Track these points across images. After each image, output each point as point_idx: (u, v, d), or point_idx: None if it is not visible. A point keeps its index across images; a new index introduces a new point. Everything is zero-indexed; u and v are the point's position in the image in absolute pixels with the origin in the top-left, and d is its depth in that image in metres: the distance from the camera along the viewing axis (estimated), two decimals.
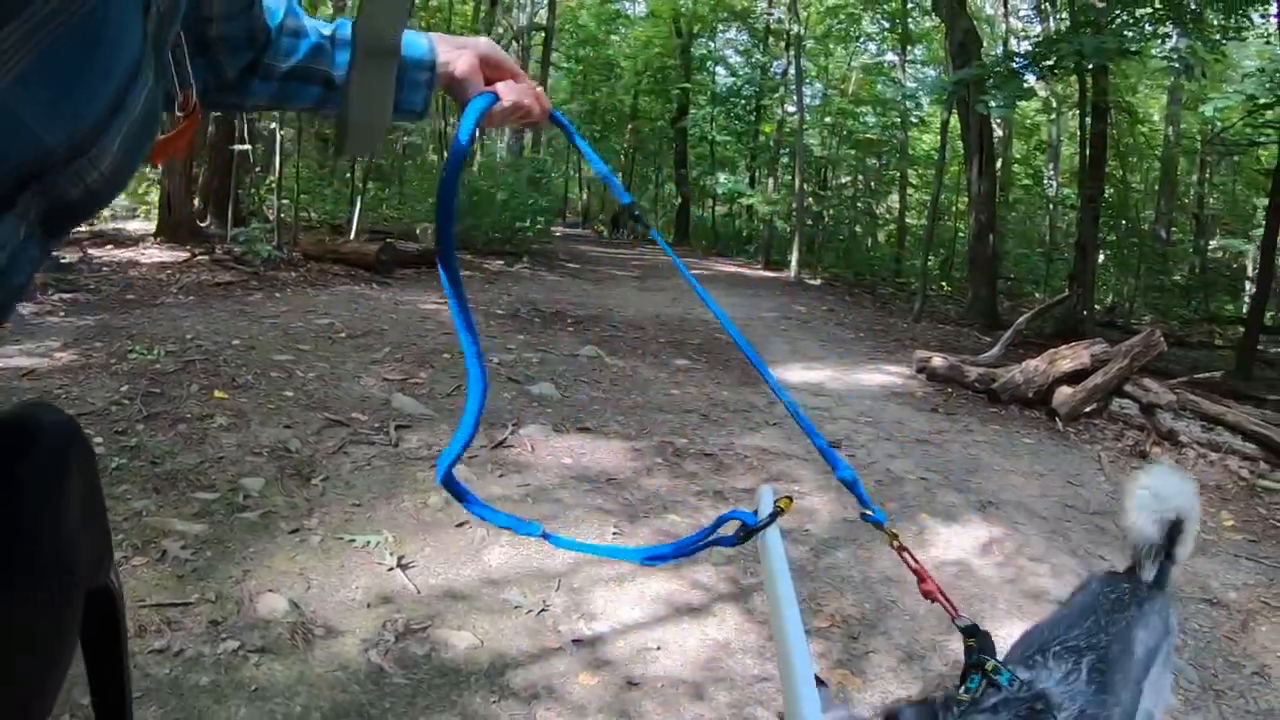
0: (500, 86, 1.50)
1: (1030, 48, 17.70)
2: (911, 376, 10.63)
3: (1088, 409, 9.04)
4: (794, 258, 23.66)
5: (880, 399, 9.32)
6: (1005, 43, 24.75)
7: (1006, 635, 3.11)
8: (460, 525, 4.75)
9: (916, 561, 1.72)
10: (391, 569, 4.20)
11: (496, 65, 1.52)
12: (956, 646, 3.37)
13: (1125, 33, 14.40)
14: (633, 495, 5.50)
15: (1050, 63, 15.20)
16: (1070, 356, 9.29)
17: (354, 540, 4.41)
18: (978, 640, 1.69)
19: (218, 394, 6.56)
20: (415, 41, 1.46)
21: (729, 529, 1.68)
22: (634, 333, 11.69)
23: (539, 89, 1.59)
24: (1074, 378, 9.17)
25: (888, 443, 7.51)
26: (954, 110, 18.41)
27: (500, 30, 30.69)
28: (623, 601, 4.16)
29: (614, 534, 4.94)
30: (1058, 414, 8.95)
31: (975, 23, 19.13)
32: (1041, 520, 5.99)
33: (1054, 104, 27.50)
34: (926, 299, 17.94)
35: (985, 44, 21.41)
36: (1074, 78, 18.33)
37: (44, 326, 8.62)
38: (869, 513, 1.74)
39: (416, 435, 6.17)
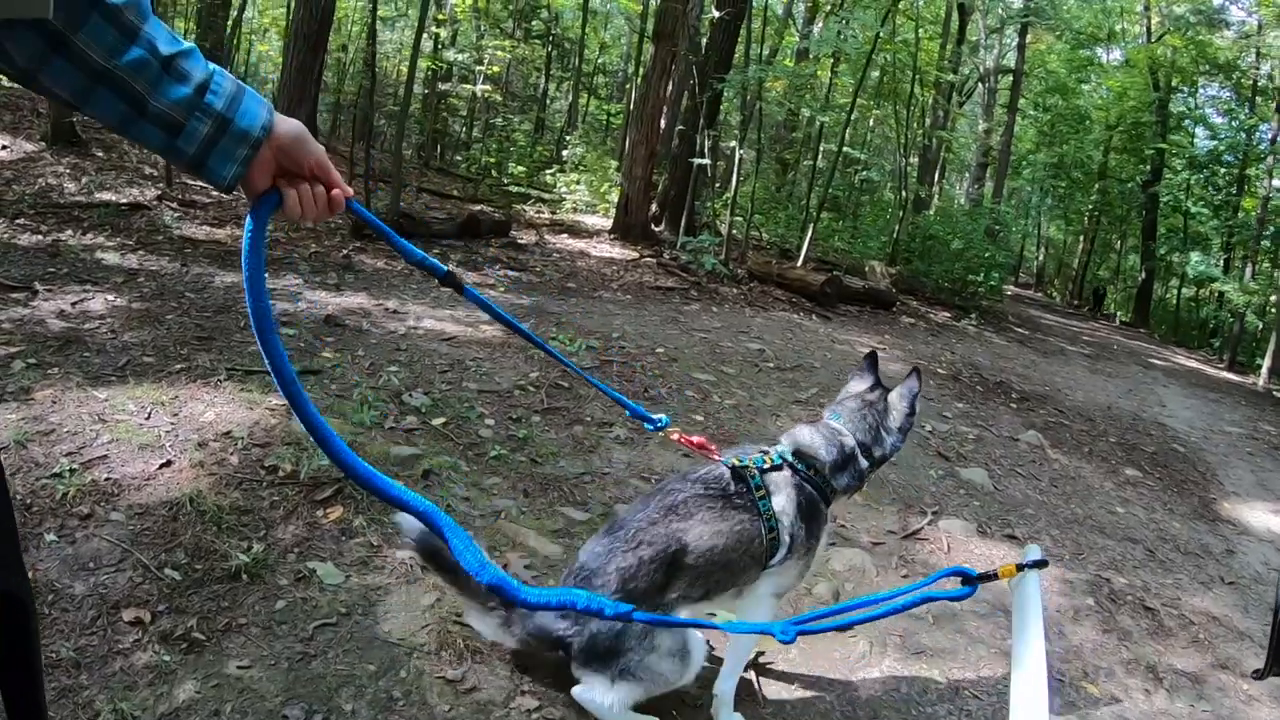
0: (290, 194, 1.48)
1: None
2: None
3: None
4: (1266, 363, 20.52)
5: None
6: None
7: None
8: (844, 629, 3.98)
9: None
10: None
11: (296, 160, 1.47)
12: None
13: None
14: (1051, 646, 4.36)
15: None
16: None
17: (714, 614, 3.68)
18: None
19: None
20: (253, 110, 1.41)
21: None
22: (1081, 424, 10.28)
23: (336, 192, 1.55)
24: None
25: None
26: None
27: (966, 71, 29.59)
28: None
29: None
30: None
31: None
32: None
33: None
34: None
35: None
36: None
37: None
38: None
39: None
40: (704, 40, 17.05)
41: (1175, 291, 35.81)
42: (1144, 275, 34.38)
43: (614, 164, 20.45)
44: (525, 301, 9.13)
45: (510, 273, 10.59)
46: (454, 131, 26.95)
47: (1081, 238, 40.91)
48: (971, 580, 2.26)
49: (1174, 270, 33.78)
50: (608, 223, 16.54)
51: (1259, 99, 29.79)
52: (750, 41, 17.97)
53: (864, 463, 3.12)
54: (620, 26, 32.67)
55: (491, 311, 2.13)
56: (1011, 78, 28.85)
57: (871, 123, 27.54)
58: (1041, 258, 47.26)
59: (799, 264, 15.89)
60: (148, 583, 3.17)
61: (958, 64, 26.78)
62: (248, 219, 1.44)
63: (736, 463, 2.95)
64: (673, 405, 6.52)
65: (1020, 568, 2.36)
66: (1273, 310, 23.30)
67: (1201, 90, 33.05)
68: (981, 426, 8.63)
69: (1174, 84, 31.78)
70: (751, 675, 3.46)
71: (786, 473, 2.99)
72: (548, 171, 20.66)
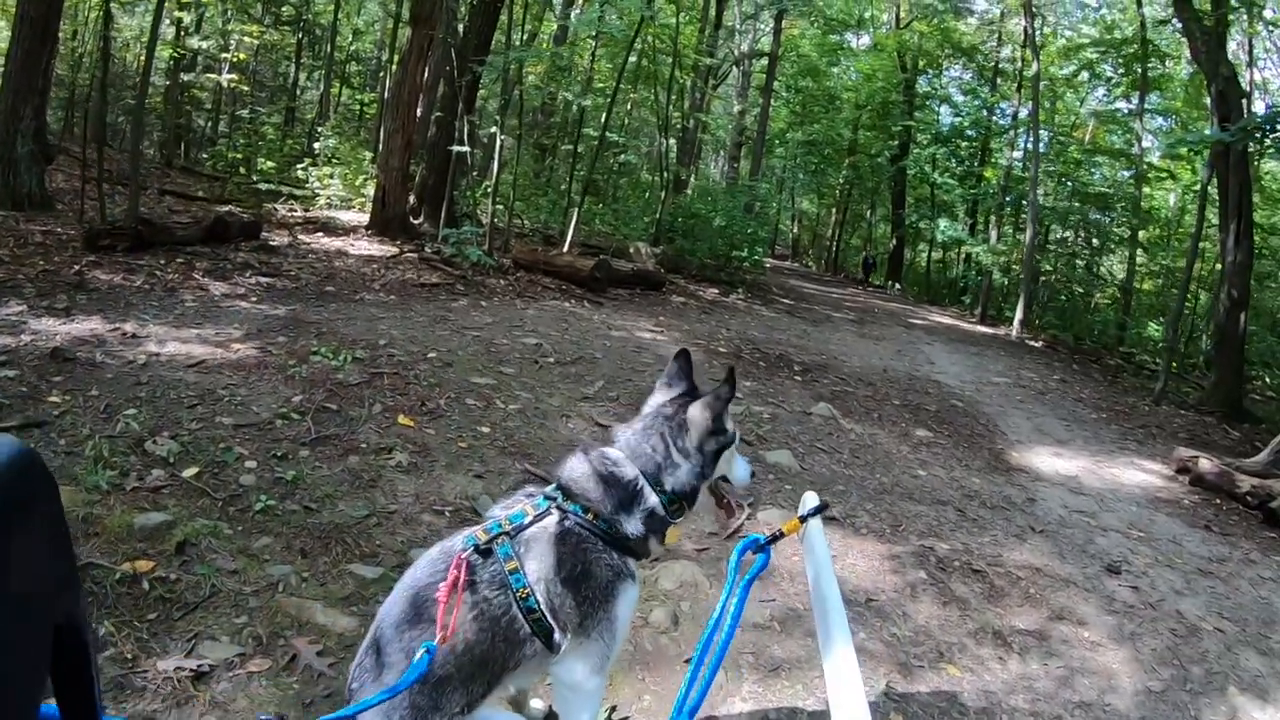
0: None
1: None
2: (1172, 478, 9.25)
3: None
4: (1018, 315, 22.34)
5: (1145, 506, 7.98)
6: (1250, 95, 22.34)
7: None
8: (691, 660, 3.69)
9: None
10: None
11: None
12: None
13: None
14: (900, 630, 4.37)
15: None
16: None
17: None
18: None
19: (403, 420, 5.76)
20: None
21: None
22: (865, 389, 10.61)
23: None
24: None
25: (1169, 571, 6.24)
26: (1214, 170, 16.51)
27: (721, 55, 30.14)
28: None
29: (889, 699, 3.74)
30: None
31: None
32: None
33: None
34: (1168, 380, 16.08)
35: None
36: None
37: (231, 311, 8.10)
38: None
39: None
40: (462, 24, 16.59)
41: (927, 256, 37.75)
42: (895, 242, 36.41)
43: (369, 155, 19.76)
44: (281, 311, 8.43)
45: (263, 279, 9.81)
46: (198, 126, 25.46)
47: (834, 209, 42.58)
48: (763, 546, 2.54)
49: (923, 236, 35.63)
50: (364, 217, 15.86)
51: (999, 80, 32.49)
52: (511, 24, 17.62)
53: (653, 500, 2.47)
54: (374, 11, 31.70)
55: None
56: (765, 61, 29.61)
57: (629, 106, 27.71)
58: (796, 230, 48.97)
59: (565, 249, 15.68)
60: None
61: (714, 48, 27.21)
62: None
63: (483, 536, 2.37)
64: (455, 418, 6.08)
65: (803, 519, 2.63)
66: (1015, 268, 24.94)
67: (946, 72, 35.22)
68: (774, 404, 8.66)
69: (920, 66, 33.78)
70: None
71: (551, 520, 2.42)
72: (299, 166, 19.66)
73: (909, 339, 17.03)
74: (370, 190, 16.64)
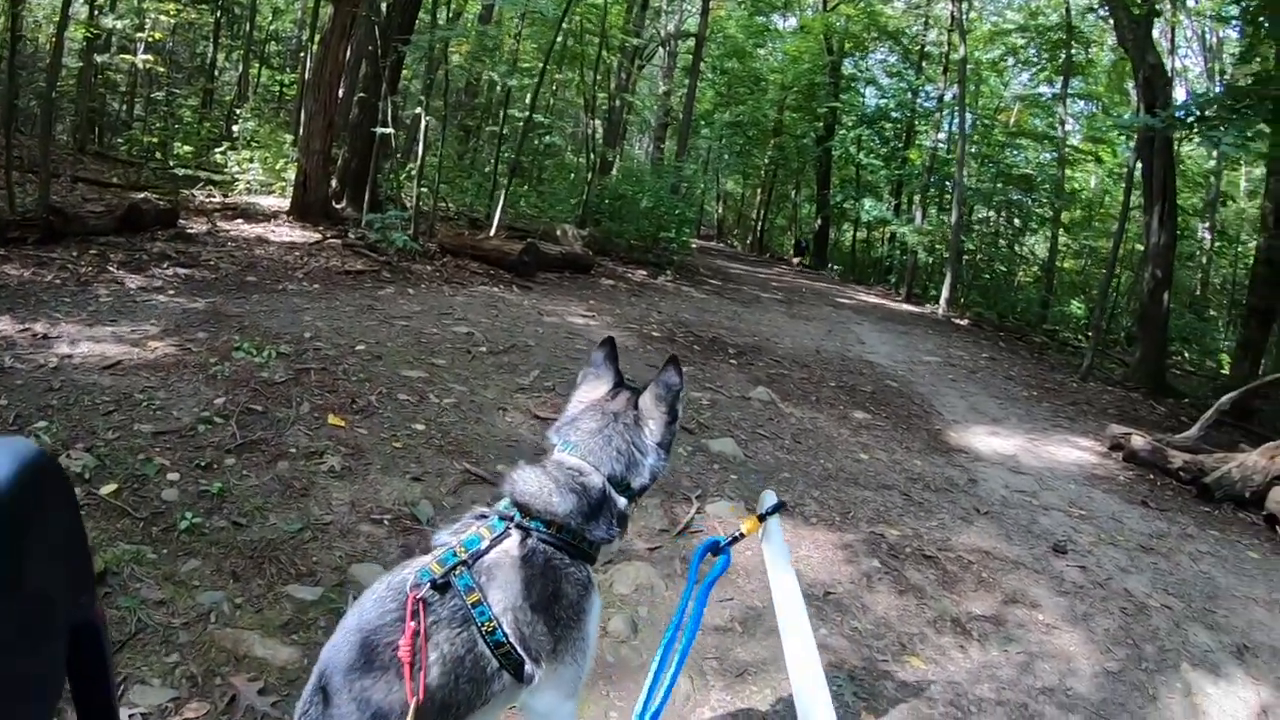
0: None
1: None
2: (1105, 455, 9.44)
3: None
4: (944, 294, 22.71)
5: (1083, 484, 8.11)
6: (1172, 81, 22.94)
7: None
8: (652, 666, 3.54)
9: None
10: None
11: None
12: None
13: None
14: (861, 624, 4.33)
15: None
16: None
17: None
18: None
19: (333, 419, 5.51)
20: None
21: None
22: (800, 371, 10.64)
23: None
24: None
25: (1113, 549, 6.34)
26: (1139, 154, 16.99)
27: (648, 36, 29.98)
28: None
29: (858, 698, 3.64)
30: (1277, 519, 7.72)
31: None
32: None
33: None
34: (1094, 357, 16.41)
35: None
36: None
37: (148, 305, 7.74)
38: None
39: None
40: (385, 2, 16.21)
41: (852, 236, 38.06)
42: (820, 222, 36.50)
43: (289, 138, 19.19)
44: (200, 304, 8.06)
45: (181, 270, 9.42)
46: (113, 110, 24.59)
47: (759, 190, 42.74)
48: (723, 548, 2.51)
49: (848, 216, 35.91)
50: (285, 203, 15.37)
51: (925, 63, 32.72)
52: (436, 2, 17.27)
53: (621, 501, 2.33)
54: None
55: None
56: (691, 42, 29.53)
57: (555, 86, 27.44)
58: (721, 210, 49.08)
59: (492, 233, 15.46)
60: None
61: (641, 28, 27.08)
62: None
63: (437, 568, 2.12)
64: (387, 415, 5.85)
65: (761, 518, 2.61)
66: (940, 247, 25.28)
67: (872, 55, 35.52)
68: (712, 389, 8.59)
69: (846, 49, 33.98)
70: None
71: (512, 542, 2.21)
72: (218, 150, 19.05)
73: (838, 319, 17.13)
74: (291, 174, 16.09)
